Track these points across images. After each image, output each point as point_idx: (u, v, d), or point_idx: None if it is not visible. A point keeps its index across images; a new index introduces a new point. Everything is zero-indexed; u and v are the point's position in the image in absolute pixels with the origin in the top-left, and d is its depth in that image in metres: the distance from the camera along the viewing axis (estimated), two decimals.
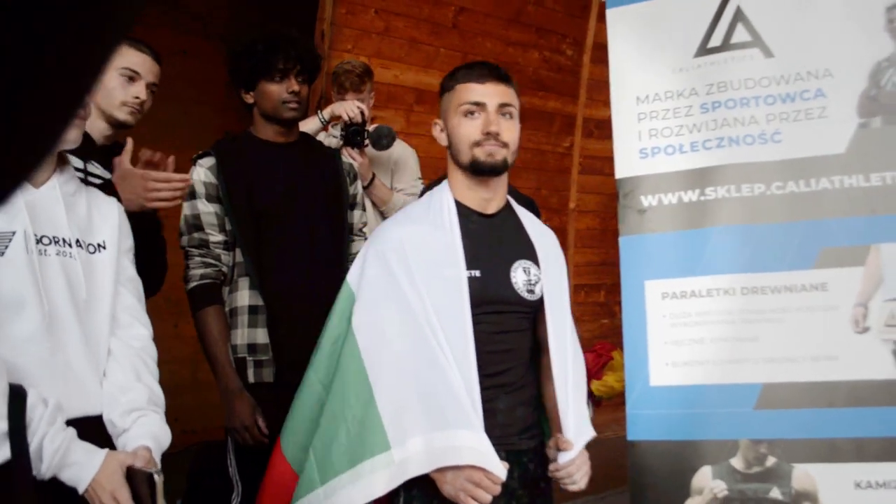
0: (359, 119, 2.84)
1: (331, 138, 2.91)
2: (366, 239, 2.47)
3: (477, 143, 1.65)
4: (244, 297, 2.14)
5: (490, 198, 1.73)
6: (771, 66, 1.86)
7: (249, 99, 2.25)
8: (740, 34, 1.89)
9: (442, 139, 1.74)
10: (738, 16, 1.89)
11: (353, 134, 2.85)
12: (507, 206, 1.80)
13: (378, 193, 3.00)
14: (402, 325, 1.60)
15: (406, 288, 1.60)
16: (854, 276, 1.75)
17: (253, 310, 2.13)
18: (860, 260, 1.75)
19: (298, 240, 2.19)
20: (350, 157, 2.68)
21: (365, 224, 2.47)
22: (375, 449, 1.55)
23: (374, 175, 2.96)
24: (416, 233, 1.67)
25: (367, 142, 2.87)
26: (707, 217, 1.85)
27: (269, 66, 2.17)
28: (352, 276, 1.71)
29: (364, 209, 2.49)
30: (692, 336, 1.81)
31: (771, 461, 1.74)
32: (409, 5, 4.04)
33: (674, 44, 1.93)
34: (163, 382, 1.66)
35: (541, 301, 1.72)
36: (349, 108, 2.85)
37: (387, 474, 1.53)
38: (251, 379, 2.12)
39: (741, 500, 1.75)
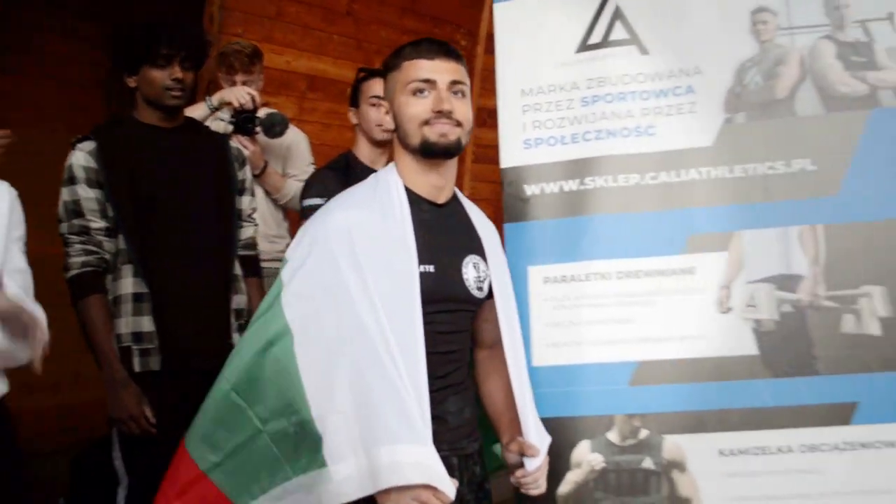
0: (250, 105, 2.80)
1: (218, 122, 2.85)
2: (255, 225, 2.45)
3: (426, 122, 1.52)
4: (128, 284, 2.09)
5: (442, 185, 1.60)
6: (646, 63, 1.96)
7: (132, 83, 2.19)
8: (619, 32, 1.99)
9: (388, 122, 1.63)
10: (617, 14, 1.99)
11: (245, 121, 2.80)
12: (455, 195, 1.69)
13: (271, 181, 2.97)
14: (344, 323, 1.43)
15: (350, 281, 1.44)
16: (719, 260, 1.88)
17: (137, 297, 2.09)
18: (724, 245, 1.88)
19: (184, 225, 2.15)
20: (241, 145, 2.64)
21: (254, 210, 2.45)
22: (311, 465, 1.41)
23: (266, 163, 2.93)
24: (364, 219, 1.50)
25: (258, 129, 2.83)
26: (586, 205, 1.94)
27: (153, 52, 2.11)
28: (286, 271, 1.53)
29: (253, 195, 2.47)
30: (572, 318, 1.90)
31: (644, 434, 1.86)
32: None
33: (557, 39, 2.01)
34: (44, 377, 1.60)
35: (485, 298, 1.64)
36: (239, 94, 2.80)
37: (324, 494, 1.39)
38: (137, 368, 2.08)
39: (616, 471, 1.86)
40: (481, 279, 1.62)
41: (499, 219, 2.03)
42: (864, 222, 1.83)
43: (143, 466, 2.04)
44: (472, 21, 4.94)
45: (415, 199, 1.56)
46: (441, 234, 1.57)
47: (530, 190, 1.98)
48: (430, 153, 1.55)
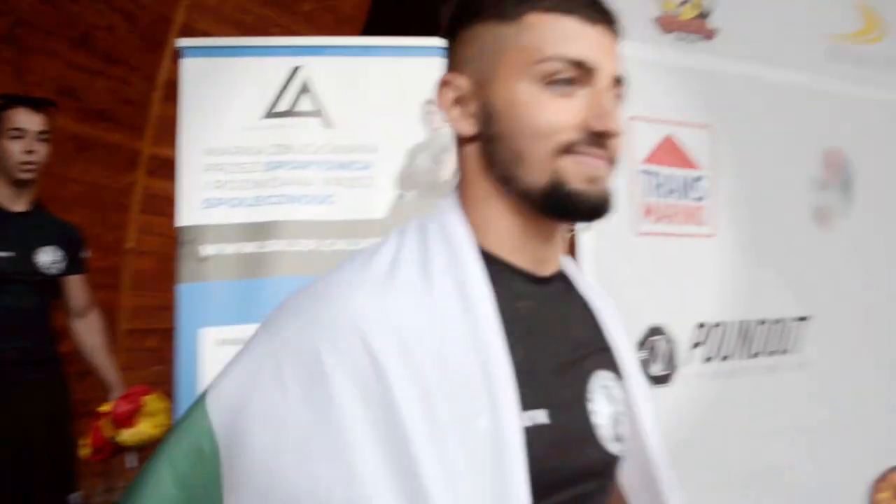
0: None
1: None
2: None
3: (569, 149, 0.74)
4: None
5: (550, 257, 0.83)
6: (330, 136, 2.07)
7: None
8: (305, 104, 2.07)
9: (462, 125, 0.80)
10: (305, 87, 2.08)
11: None
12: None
13: None
14: None
15: (376, 468, 0.66)
16: None
17: None
18: None
19: None
20: None
21: None
22: None
23: None
24: (423, 319, 0.71)
25: None
26: (264, 268, 1.96)
27: None
28: (223, 411, 0.75)
29: None
30: None
31: None
32: None
33: (244, 103, 2.04)
34: None
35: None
36: None
37: None
38: None
39: None
40: (619, 418, 0.83)
41: (166, 275, 1.95)
42: None
43: None
44: (150, 65, 4.73)
45: (502, 272, 0.78)
46: (550, 339, 0.80)
47: (207, 250, 1.95)
48: (566, 210, 0.76)
